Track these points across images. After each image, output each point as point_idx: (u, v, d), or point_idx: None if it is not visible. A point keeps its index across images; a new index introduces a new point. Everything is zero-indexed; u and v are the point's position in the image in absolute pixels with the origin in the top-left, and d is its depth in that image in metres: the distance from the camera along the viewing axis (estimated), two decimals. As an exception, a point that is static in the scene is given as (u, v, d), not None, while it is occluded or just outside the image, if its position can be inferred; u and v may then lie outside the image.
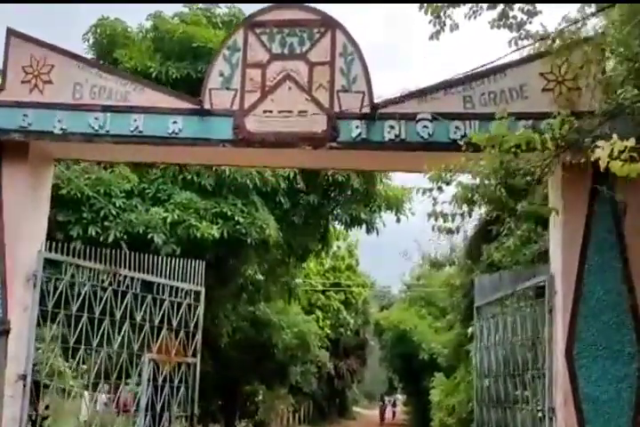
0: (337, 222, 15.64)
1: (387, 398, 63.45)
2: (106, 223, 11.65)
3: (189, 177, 12.56)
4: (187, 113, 7.82)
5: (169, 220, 11.90)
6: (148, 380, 9.37)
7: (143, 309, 9.29)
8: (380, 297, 59.85)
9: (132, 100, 7.82)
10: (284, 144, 7.71)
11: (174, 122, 7.76)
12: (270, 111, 7.77)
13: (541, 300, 7.92)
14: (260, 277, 17.98)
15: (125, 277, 9.05)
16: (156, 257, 9.48)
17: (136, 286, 9.18)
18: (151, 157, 8.47)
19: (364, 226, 15.63)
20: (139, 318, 9.21)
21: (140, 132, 7.74)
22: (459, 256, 21.01)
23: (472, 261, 17.12)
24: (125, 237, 10.11)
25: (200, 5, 14.89)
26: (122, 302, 8.95)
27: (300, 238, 15.66)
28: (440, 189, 6.18)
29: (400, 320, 45.35)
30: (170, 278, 9.72)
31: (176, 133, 7.75)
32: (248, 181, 12.64)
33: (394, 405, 58.47)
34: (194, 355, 10.24)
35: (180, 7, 14.85)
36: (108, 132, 7.71)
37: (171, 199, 12.27)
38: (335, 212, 15.33)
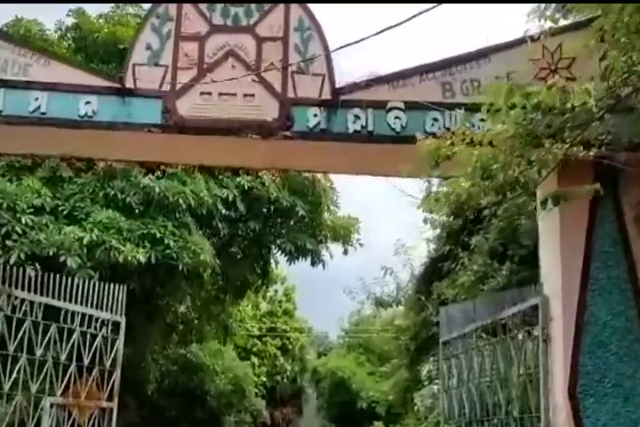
0: (280, 253, 14.12)
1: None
2: (8, 242, 9.91)
3: (112, 193, 10.95)
4: (104, 92, 6.35)
5: (85, 241, 10.23)
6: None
7: (46, 341, 7.57)
8: (318, 343, 58.03)
9: (33, 75, 6.31)
10: (226, 132, 6.27)
11: (87, 102, 6.27)
12: (209, 93, 6.38)
13: (532, 328, 6.57)
14: (192, 314, 16.35)
15: (23, 300, 7.36)
16: (64, 279, 7.84)
17: (37, 313, 7.49)
18: (56, 145, 6.79)
19: (309, 258, 14.17)
20: (39, 353, 7.47)
21: (43, 113, 6.22)
22: (406, 296, 19.73)
23: (422, 299, 15.86)
24: (32, 259, 8.36)
25: (130, 9, 13.48)
26: (17, 332, 7.23)
27: (238, 270, 14.10)
28: (437, 163, 4.77)
29: (338, 367, 43.71)
30: (82, 304, 8.07)
31: (89, 117, 6.25)
32: (181, 201, 11.11)
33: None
34: (110, 398, 8.52)
35: (106, 8, 13.41)
36: (0, 112, 6.16)
37: (89, 218, 10.63)
38: (278, 241, 13.84)
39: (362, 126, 6.33)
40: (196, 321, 16.46)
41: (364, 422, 41.32)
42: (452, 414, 8.21)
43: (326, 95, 6.43)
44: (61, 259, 10.00)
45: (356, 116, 6.36)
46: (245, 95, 6.36)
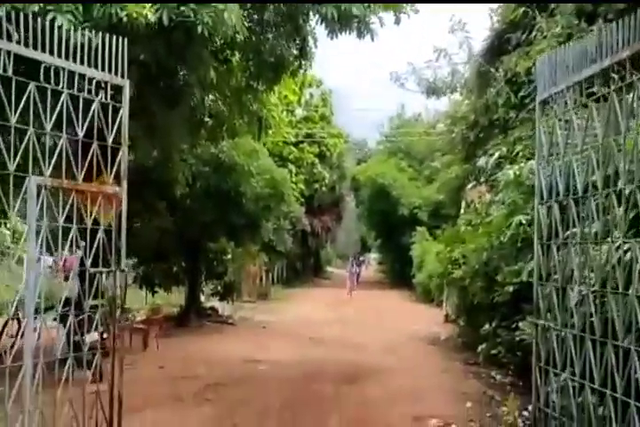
0: (321, 21, 11.68)
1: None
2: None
3: None
4: None
5: (77, -6, 8.08)
6: (41, 217, 5.87)
7: (22, 103, 5.65)
8: (356, 150, 56.74)
9: None
10: None
11: None
12: None
13: None
14: (222, 107, 14.40)
15: (-15, 47, 5.37)
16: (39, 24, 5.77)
17: (6, 65, 5.51)
18: None
19: (354, 30, 11.75)
20: (14, 119, 5.58)
21: None
22: (462, 81, 17.49)
23: (489, 72, 13.69)
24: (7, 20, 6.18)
25: None
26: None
27: (272, 46, 11.84)
28: None
29: (378, 174, 42.50)
30: (68, 59, 6.07)
31: None
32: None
33: (359, 264, 48.58)
34: (117, 182, 6.79)
35: None
36: None
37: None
38: (317, 6, 11.38)
39: None
40: (226, 114, 14.50)
41: (405, 229, 40.70)
42: (553, 191, 6.34)
43: None
44: (49, 17, 7.89)
45: None
46: None
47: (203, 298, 22.06)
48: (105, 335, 11.87)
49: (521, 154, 10.89)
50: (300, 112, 40.86)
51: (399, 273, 44.31)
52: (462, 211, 21.95)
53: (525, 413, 7.53)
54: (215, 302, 22.24)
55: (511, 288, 9.82)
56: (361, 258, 55.25)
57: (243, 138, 17.86)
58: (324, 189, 41.63)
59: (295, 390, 10.88)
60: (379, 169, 42.92)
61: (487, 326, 10.91)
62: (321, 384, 11.43)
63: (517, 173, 9.94)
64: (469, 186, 19.50)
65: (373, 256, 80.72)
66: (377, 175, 41.97)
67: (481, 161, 15.09)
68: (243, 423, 8.67)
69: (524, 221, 9.52)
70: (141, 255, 19.30)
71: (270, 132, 16.04)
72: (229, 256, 21.95)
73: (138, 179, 16.78)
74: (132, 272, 20.04)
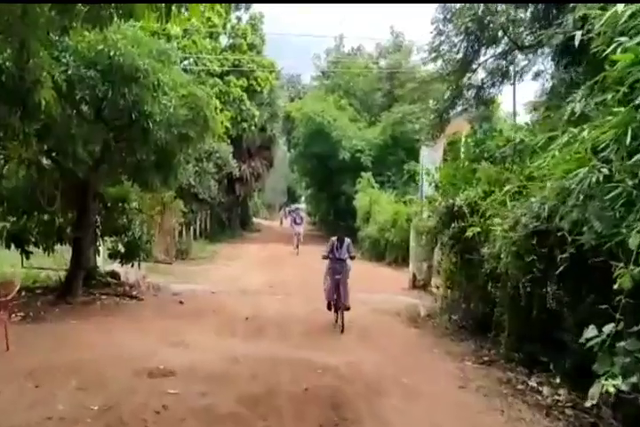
0: None
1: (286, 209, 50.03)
2: None
3: None
4: None
5: None
6: None
7: None
8: (290, 87, 50.74)
9: None
10: None
11: None
12: None
13: None
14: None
15: None
16: None
17: None
18: None
19: None
20: None
21: None
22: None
23: None
24: None
25: None
26: None
27: None
28: None
29: (316, 112, 36.98)
30: None
31: None
32: None
33: (299, 222, 34.06)
34: None
35: None
36: None
37: None
38: None
39: None
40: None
41: (345, 175, 35.78)
42: None
43: None
44: None
45: None
46: None
47: (100, 261, 16.47)
48: None
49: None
50: (225, 40, 35.03)
51: (337, 226, 39.37)
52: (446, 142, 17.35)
53: None
54: (118, 266, 16.60)
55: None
56: (295, 210, 44.29)
57: (147, 33, 12.34)
58: (253, 128, 36.02)
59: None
60: (316, 106, 37.42)
61: (593, 333, 5.70)
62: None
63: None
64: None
65: (302, 207, 75.56)
66: (314, 113, 36.48)
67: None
68: None
69: None
70: (7, 203, 13.71)
71: (184, 11, 10.35)
72: (134, 204, 16.33)
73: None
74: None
